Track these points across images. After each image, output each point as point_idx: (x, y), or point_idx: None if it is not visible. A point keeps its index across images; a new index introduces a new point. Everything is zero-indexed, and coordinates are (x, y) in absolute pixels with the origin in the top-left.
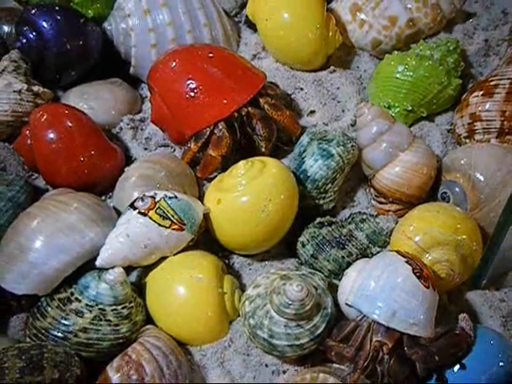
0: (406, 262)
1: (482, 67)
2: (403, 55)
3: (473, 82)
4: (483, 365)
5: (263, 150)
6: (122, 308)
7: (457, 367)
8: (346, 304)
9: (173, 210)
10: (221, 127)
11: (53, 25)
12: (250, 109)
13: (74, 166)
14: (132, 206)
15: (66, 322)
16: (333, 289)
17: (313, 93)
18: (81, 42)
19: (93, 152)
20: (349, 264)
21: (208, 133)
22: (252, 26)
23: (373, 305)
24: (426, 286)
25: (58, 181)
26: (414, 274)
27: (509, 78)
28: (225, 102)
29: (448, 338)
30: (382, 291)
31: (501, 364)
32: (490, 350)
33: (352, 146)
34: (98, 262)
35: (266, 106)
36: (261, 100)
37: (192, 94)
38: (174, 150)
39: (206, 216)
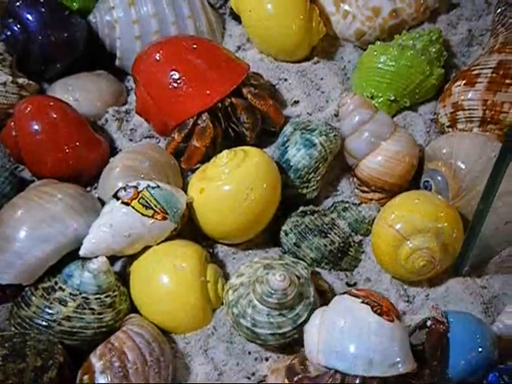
0: (363, 302)
1: (465, 57)
2: (386, 45)
3: (456, 71)
4: (462, 350)
5: (248, 139)
6: (106, 297)
7: None
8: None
9: (155, 199)
10: (204, 118)
11: (37, 17)
12: (233, 99)
13: (58, 157)
14: (115, 195)
15: (49, 311)
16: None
17: (297, 83)
18: (66, 35)
19: (78, 143)
20: (331, 252)
21: (191, 123)
22: (236, 18)
23: (347, 360)
24: (390, 320)
25: (43, 172)
26: (375, 312)
27: (490, 68)
28: (208, 92)
29: (428, 344)
30: (350, 342)
31: (480, 349)
32: (469, 335)
33: (335, 135)
34: (82, 252)
35: (249, 96)
36: (244, 90)
37: (175, 84)
38: (159, 141)
39: (190, 205)
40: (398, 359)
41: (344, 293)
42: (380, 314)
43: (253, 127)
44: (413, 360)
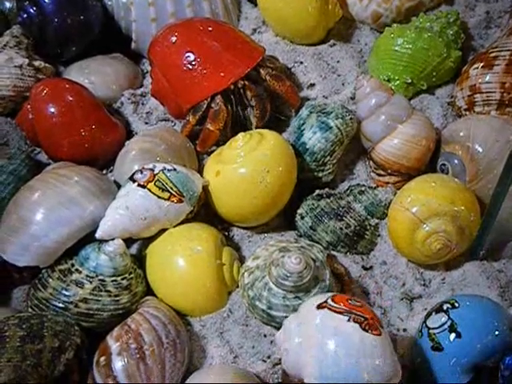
0: (349, 320)
1: (483, 39)
2: (403, 28)
3: (474, 54)
4: (478, 333)
5: (253, 128)
6: (122, 279)
7: (452, 336)
8: None
9: (172, 182)
10: (218, 101)
11: (53, 0)
12: (246, 82)
13: (75, 140)
14: (131, 178)
15: (66, 293)
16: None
17: (313, 66)
18: (81, 17)
19: (94, 126)
20: (347, 235)
21: (205, 106)
22: (252, 0)
23: None
24: (377, 334)
25: (59, 155)
26: (363, 328)
27: (509, 50)
28: (222, 74)
29: None
30: (347, 368)
31: (496, 333)
32: (485, 318)
33: (351, 118)
34: (98, 234)
35: (267, 77)
36: (262, 71)
37: (190, 66)
38: (175, 125)
39: (206, 188)
40: (392, 373)
41: (322, 305)
42: (367, 330)
43: (261, 116)
44: (400, 367)
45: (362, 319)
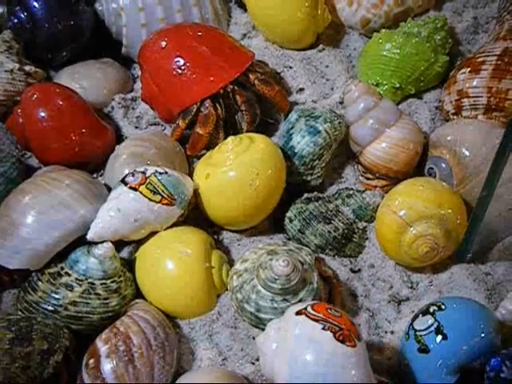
0: (324, 329)
1: (470, 45)
2: (391, 33)
3: (461, 59)
4: (464, 335)
5: (243, 132)
6: (112, 282)
7: (439, 338)
8: None
9: (163, 185)
10: (207, 105)
11: (44, 5)
12: (236, 88)
13: (65, 144)
14: (123, 181)
15: (56, 296)
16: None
17: (302, 71)
18: (72, 22)
19: (84, 130)
20: (335, 239)
21: (195, 110)
22: (242, 6)
23: None
24: (351, 346)
25: (49, 159)
26: (337, 339)
27: (495, 55)
28: (211, 79)
29: None
30: (315, 376)
31: (482, 335)
32: (472, 320)
33: (339, 122)
34: (89, 236)
35: (256, 82)
36: (251, 76)
37: (179, 71)
38: (165, 129)
39: (195, 191)
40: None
41: (300, 312)
42: (342, 341)
43: (251, 121)
44: (374, 381)
45: (337, 329)
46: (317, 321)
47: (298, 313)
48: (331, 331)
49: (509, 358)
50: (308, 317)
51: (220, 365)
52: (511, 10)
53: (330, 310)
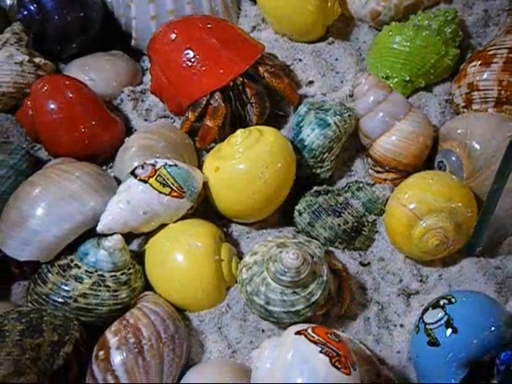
0: (321, 352)
1: (481, 38)
2: (401, 26)
3: (472, 52)
4: (475, 329)
5: (252, 124)
6: (121, 274)
7: (449, 331)
8: None
9: (173, 177)
10: (217, 97)
11: None
12: (245, 81)
13: (74, 137)
14: (132, 173)
15: (65, 288)
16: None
17: (311, 64)
18: (81, 14)
19: (93, 123)
20: (344, 232)
21: (204, 103)
22: None
23: None
24: (346, 373)
25: (59, 151)
26: (332, 364)
27: (506, 48)
28: (221, 71)
29: None
30: None
31: (492, 328)
32: (482, 314)
33: (349, 115)
34: (99, 228)
35: (265, 74)
36: (260, 68)
37: (189, 63)
38: (174, 121)
39: (205, 184)
40: None
41: (300, 332)
42: (338, 368)
43: (260, 113)
44: None
45: (335, 354)
46: (315, 343)
47: (298, 333)
48: (328, 356)
49: None
50: (307, 338)
51: (229, 357)
52: None
53: (330, 334)
